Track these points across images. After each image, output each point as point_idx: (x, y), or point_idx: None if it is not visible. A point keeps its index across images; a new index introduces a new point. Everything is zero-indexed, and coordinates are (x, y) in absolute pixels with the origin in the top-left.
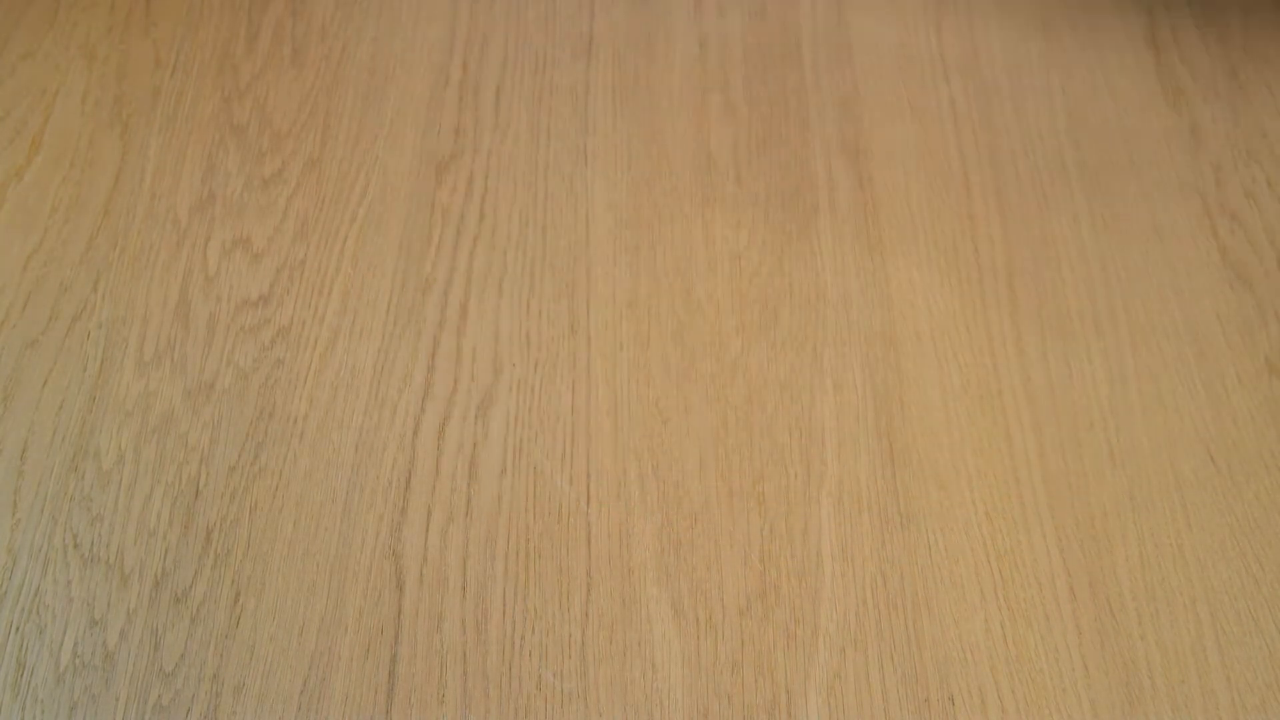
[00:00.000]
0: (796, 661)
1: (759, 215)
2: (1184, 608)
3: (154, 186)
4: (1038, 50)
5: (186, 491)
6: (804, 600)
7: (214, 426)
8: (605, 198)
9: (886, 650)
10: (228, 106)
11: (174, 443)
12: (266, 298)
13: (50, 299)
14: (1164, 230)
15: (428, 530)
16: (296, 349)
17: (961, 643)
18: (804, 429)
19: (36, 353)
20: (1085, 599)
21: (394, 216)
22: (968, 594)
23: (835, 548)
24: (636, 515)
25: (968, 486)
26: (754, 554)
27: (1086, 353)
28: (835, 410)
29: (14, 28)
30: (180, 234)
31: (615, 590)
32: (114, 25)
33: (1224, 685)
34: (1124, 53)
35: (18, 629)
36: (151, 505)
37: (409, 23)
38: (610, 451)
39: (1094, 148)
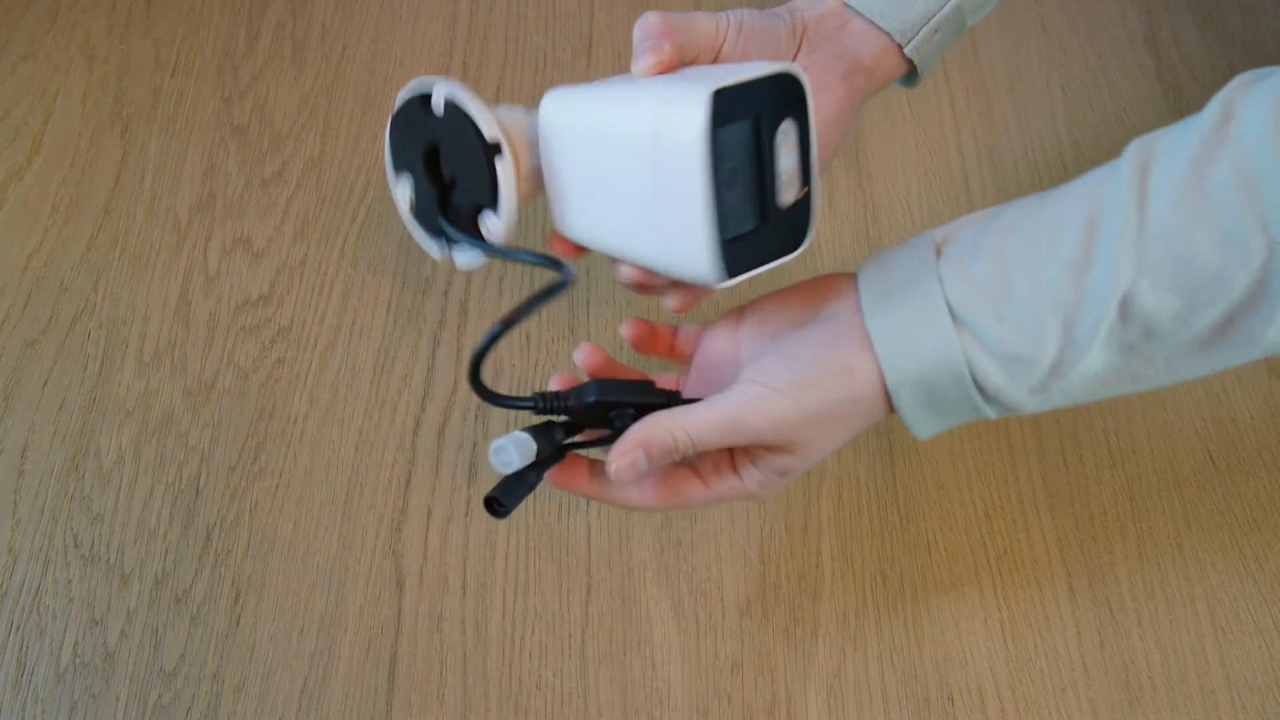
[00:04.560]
0: (796, 661)
1: None
2: (1183, 607)
3: (154, 187)
4: (1038, 50)
5: (187, 491)
6: (804, 600)
7: (214, 426)
8: None
9: (886, 650)
10: (228, 107)
11: (174, 443)
12: (267, 298)
13: (50, 299)
14: None
15: (428, 530)
16: (296, 349)
17: (961, 643)
18: None
19: (36, 353)
20: (1085, 599)
21: (394, 216)
22: (968, 594)
23: (835, 548)
24: (636, 515)
25: (968, 486)
26: (754, 554)
27: None
28: None
29: (14, 28)
30: (180, 234)
31: (615, 590)
32: (114, 26)
33: (1223, 685)
34: (1124, 53)
35: (18, 629)
36: (152, 505)
37: (409, 23)
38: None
39: (1094, 148)
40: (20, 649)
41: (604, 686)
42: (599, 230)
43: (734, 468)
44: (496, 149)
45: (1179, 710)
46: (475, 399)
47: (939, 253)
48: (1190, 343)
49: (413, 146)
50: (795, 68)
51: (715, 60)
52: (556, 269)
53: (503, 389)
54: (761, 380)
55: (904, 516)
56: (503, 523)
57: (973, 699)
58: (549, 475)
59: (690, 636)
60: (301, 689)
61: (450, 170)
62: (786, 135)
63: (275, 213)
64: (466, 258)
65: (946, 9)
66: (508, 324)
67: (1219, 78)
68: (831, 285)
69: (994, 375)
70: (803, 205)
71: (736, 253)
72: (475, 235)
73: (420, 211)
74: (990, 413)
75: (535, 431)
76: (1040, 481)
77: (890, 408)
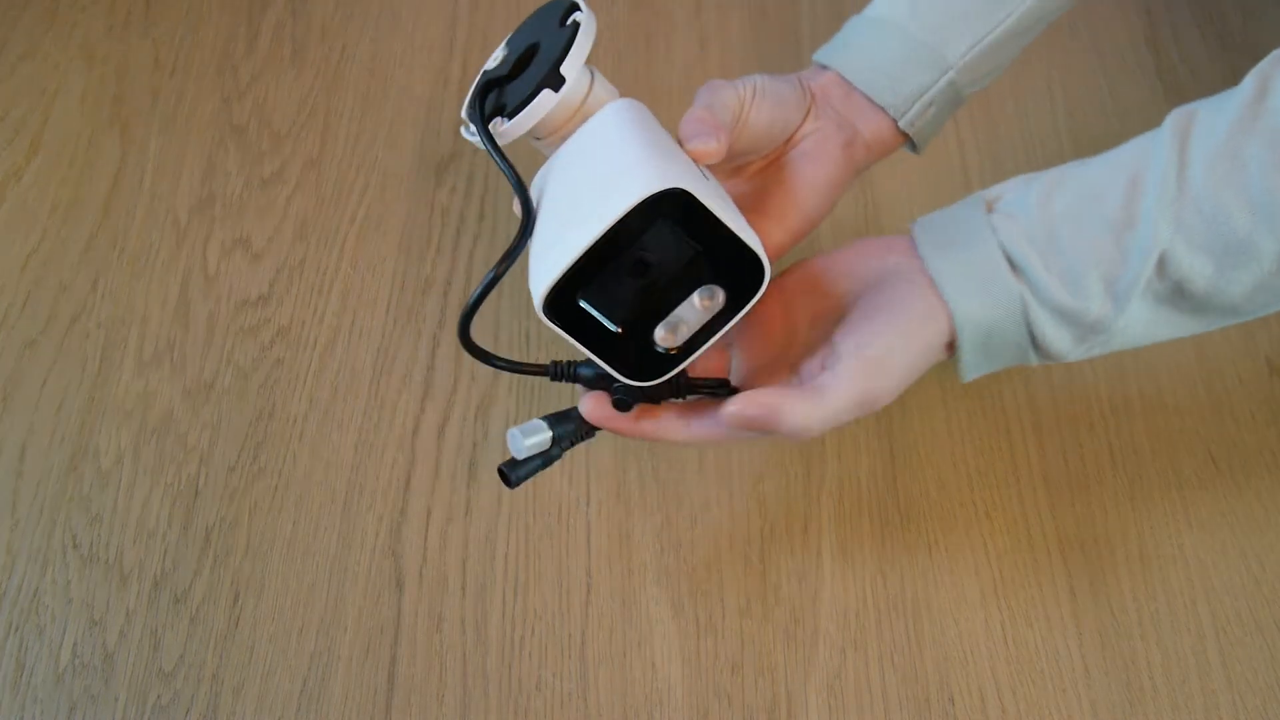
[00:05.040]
0: (796, 662)
1: None
2: (1184, 608)
3: (153, 187)
4: (1038, 50)
5: (186, 492)
6: (804, 600)
7: (213, 426)
8: None
9: (886, 650)
10: (227, 107)
11: (173, 443)
12: (266, 298)
13: (49, 299)
14: None
15: (428, 530)
16: (296, 349)
17: (961, 643)
18: None
19: (35, 353)
20: (1085, 599)
21: (394, 216)
22: (968, 594)
23: (835, 548)
24: (636, 515)
25: (968, 486)
26: (754, 554)
27: None
28: None
29: (12, 28)
30: (180, 234)
31: (615, 590)
32: (113, 25)
33: (1224, 685)
34: (1124, 53)
35: (17, 629)
36: (151, 505)
37: (409, 23)
38: (610, 451)
39: (1094, 148)
40: (19, 649)
41: (604, 686)
42: (543, 206)
43: None
44: (557, 82)
45: (1180, 711)
46: (475, 399)
47: (989, 209)
48: (1225, 306)
49: (531, 34)
50: (767, 263)
51: (741, 119)
52: (521, 193)
53: (500, 390)
54: (869, 351)
55: (904, 517)
56: (503, 523)
57: (973, 699)
58: (600, 418)
59: (690, 637)
60: (301, 689)
61: (525, 69)
62: (710, 298)
63: (274, 213)
64: (471, 134)
65: (940, 84)
66: (496, 278)
67: (1219, 78)
68: (885, 243)
69: (1043, 321)
70: (667, 359)
71: (575, 313)
72: (486, 124)
73: (486, 80)
74: (1034, 359)
75: (553, 418)
76: (1040, 481)
77: (947, 352)
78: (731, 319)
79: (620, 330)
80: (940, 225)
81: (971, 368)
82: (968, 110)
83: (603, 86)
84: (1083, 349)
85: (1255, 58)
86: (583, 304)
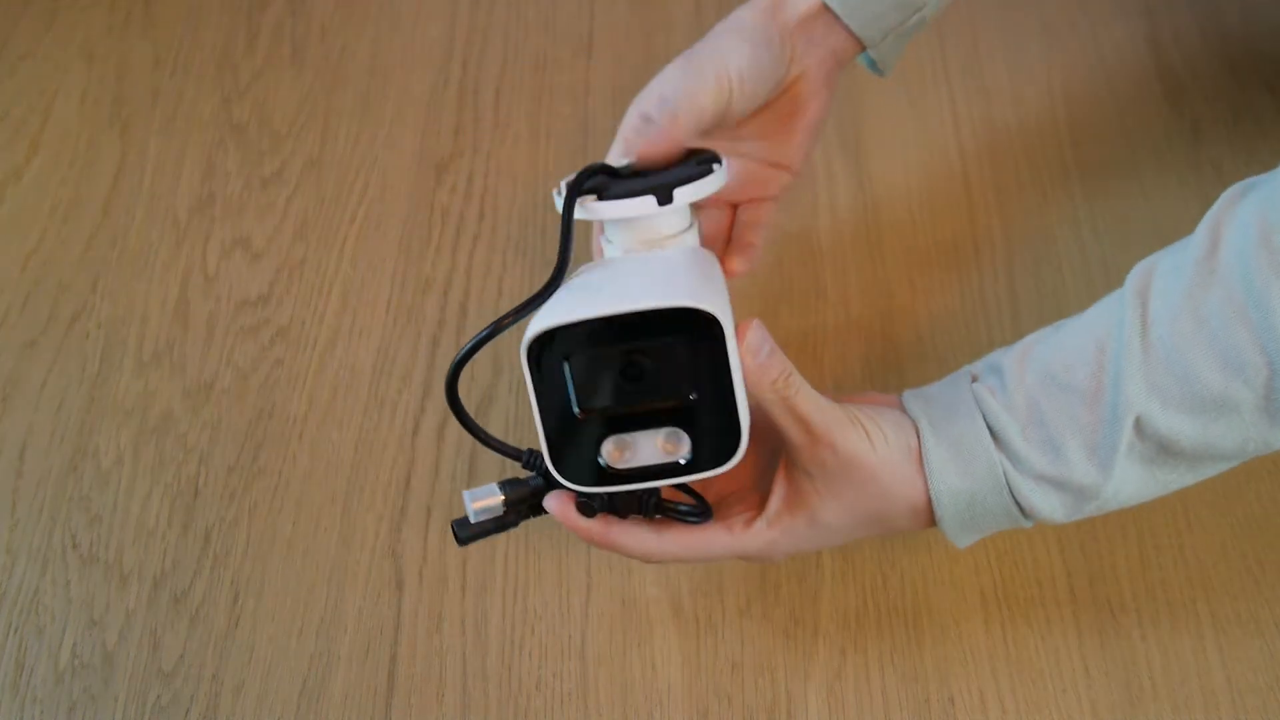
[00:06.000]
0: (796, 662)
1: None
2: (1184, 608)
3: (153, 186)
4: (1038, 50)
5: (185, 492)
6: (804, 600)
7: (213, 427)
8: None
9: (886, 650)
10: (227, 106)
11: (173, 443)
12: (266, 298)
13: (49, 299)
14: (1165, 230)
15: (428, 530)
16: (296, 349)
17: (961, 643)
18: None
19: (35, 353)
20: (1085, 599)
21: (394, 216)
22: (968, 594)
23: (835, 548)
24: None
25: None
26: None
27: None
28: None
29: (12, 28)
30: (179, 234)
31: (615, 590)
32: (113, 25)
33: (1224, 686)
34: (1124, 53)
35: (16, 629)
36: (150, 506)
37: (409, 23)
38: None
39: (1094, 148)
40: (19, 650)
41: (604, 686)
42: (576, 281)
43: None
44: (665, 197)
45: (1180, 711)
46: (475, 398)
47: (974, 380)
48: (1217, 456)
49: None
50: (743, 446)
51: (727, 116)
52: (561, 265)
53: (501, 389)
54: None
55: None
56: None
57: (973, 700)
58: (561, 514)
59: (690, 636)
60: (300, 690)
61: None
62: (675, 444)
63: (274, 213)
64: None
65: (913, 20)
66: (494, 332)
67: (1219, 78)
68: (874, 400)
69: (1028, 490)
70: (597, 472)
71: (553, 371)
72: (575, 194)
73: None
74: (1027, 524)
75: (505, 484)
76: None
77: (923, 522)
78: (680, 477)
79: (579, 415)
80: (929, 399)
81: (957, 536)
82: (967, 110)
83: (693, 235)
84: (1078, 515)
85: (1255, 58)
86: (565, 366)
